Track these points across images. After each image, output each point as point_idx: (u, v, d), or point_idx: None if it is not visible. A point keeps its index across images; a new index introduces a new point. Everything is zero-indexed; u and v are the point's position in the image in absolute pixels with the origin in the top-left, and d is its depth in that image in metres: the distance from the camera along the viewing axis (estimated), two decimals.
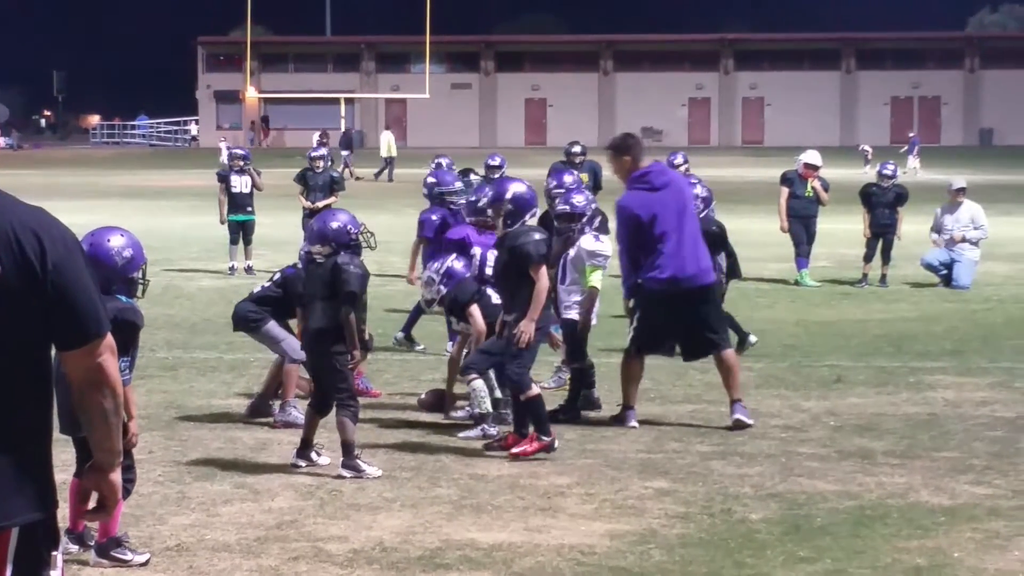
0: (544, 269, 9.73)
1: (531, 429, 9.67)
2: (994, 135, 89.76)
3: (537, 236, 9.80)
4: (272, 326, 10.85)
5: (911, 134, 66.00)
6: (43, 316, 3.85)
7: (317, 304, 9.32)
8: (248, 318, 10.96)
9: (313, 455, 9.43)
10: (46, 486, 3.90)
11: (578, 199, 11.36)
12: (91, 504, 4.19)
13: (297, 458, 9.38)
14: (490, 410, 10.30)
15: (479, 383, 10.21)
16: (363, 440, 10.07)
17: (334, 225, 9.51)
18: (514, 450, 9.61)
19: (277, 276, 11.14)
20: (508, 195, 10.01)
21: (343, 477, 9.03)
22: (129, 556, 7.28)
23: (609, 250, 11.27)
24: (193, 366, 13.30)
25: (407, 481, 9.02)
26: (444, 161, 20.66)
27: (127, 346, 7.24)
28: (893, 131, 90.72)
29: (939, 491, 8.83)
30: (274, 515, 8.20)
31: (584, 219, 11.21)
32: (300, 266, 10.87)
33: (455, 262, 11.22)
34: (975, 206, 21.09)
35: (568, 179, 12.67)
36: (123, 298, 7.35)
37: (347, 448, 9.17)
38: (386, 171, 52.92)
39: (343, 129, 63.12)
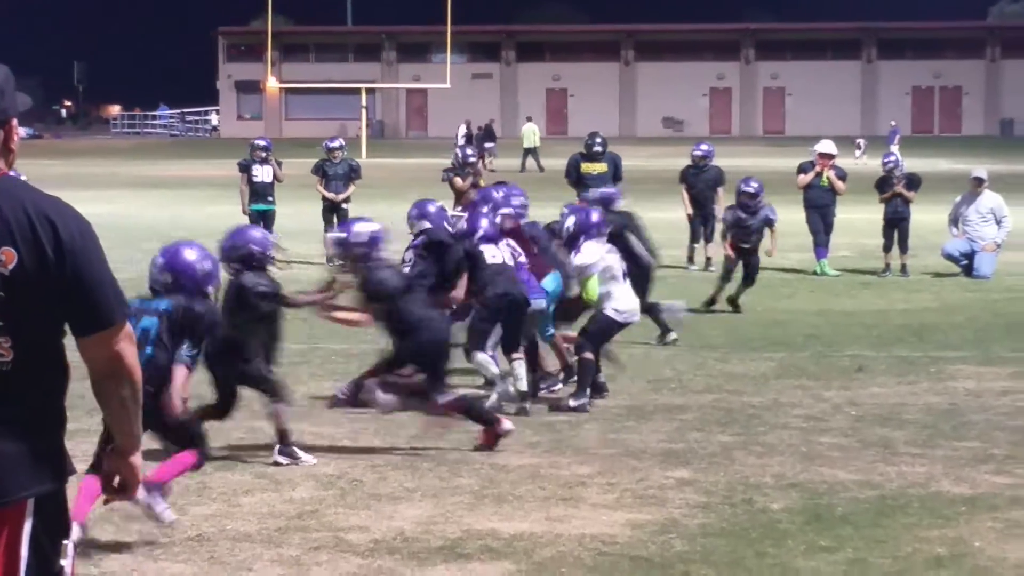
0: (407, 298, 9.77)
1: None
2: (1015, 125, 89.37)
3: (383, 275, 9.81)
4: None
5: (892, 123, 66.04)
6: (59, 304, 3.88)
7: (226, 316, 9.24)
8: None
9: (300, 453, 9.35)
10: (60, 465, 3.97)
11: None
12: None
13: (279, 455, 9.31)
14: (497, 372, 10.70)
15: (480, 356, 10.76)
16: (385, 431, 10.10)
17: (228, 244, 9.51)
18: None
19: None
20: (353, 239, 9.99)
21: (279, 464, 9.12)
22: (159, 509, 7.47)
23: (591, 258, 11.30)
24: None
25: (428, 471, 9.04)
26: (468, 150, 20.86)
27: (199, 341, 7.76)
28: (914, 121, 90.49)
29: (960, 480, 8.82)
30: (295, 505, 8.23)
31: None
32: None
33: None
34: (996, 196, 21.04)
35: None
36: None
37: (283, 436, 9.23)
38: (530, 160, 53.31)
39: (483, 123, 63.54)
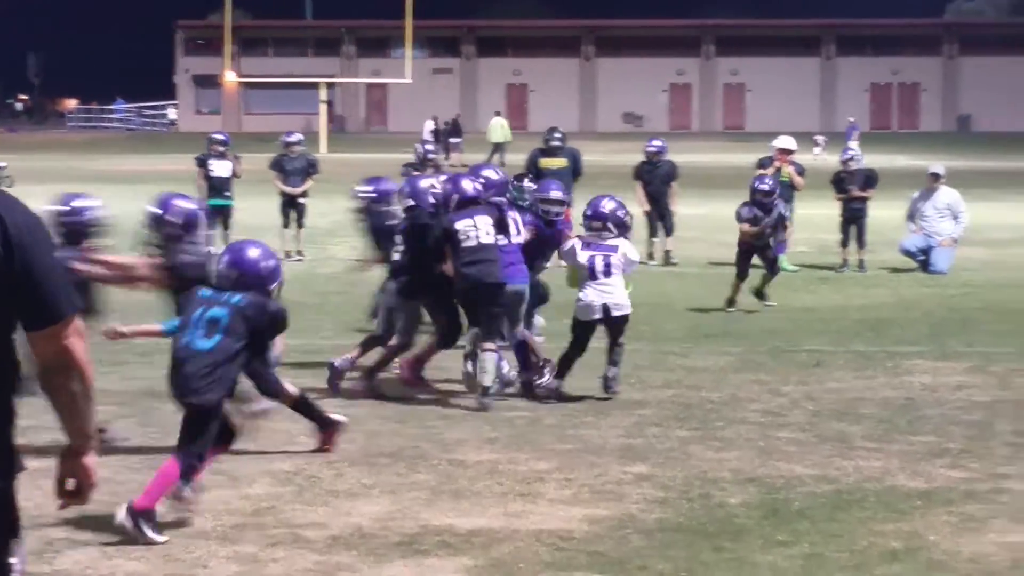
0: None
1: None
2: (972, 121, 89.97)
3: (186, 260, 9.75)
4: None
5: (850, 119, 66.29)
6: (8, 298, 3.85)
7: None
8: None
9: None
10: (9, 462, 3.93)
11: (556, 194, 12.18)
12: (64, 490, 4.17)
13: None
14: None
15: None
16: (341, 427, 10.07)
17: (64, 212, 9.42)
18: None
19: None
20: (169, 216, 9.85)
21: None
22: (150, 534, 7.33)
23: (567, 245, 11.55)
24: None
25: (385, 467, 9.01)
26: (428, 146, 20.81)
27: (266, 340, 8.04)
28: (873, 117, 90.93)
29: (916, 475, 8.87)
30: (251, 502, 8.19)
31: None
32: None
33: None
34: (953, 192, 21.17)
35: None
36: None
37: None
38: (496, 156, 52.10)
39: (443, 118, 63.05)
